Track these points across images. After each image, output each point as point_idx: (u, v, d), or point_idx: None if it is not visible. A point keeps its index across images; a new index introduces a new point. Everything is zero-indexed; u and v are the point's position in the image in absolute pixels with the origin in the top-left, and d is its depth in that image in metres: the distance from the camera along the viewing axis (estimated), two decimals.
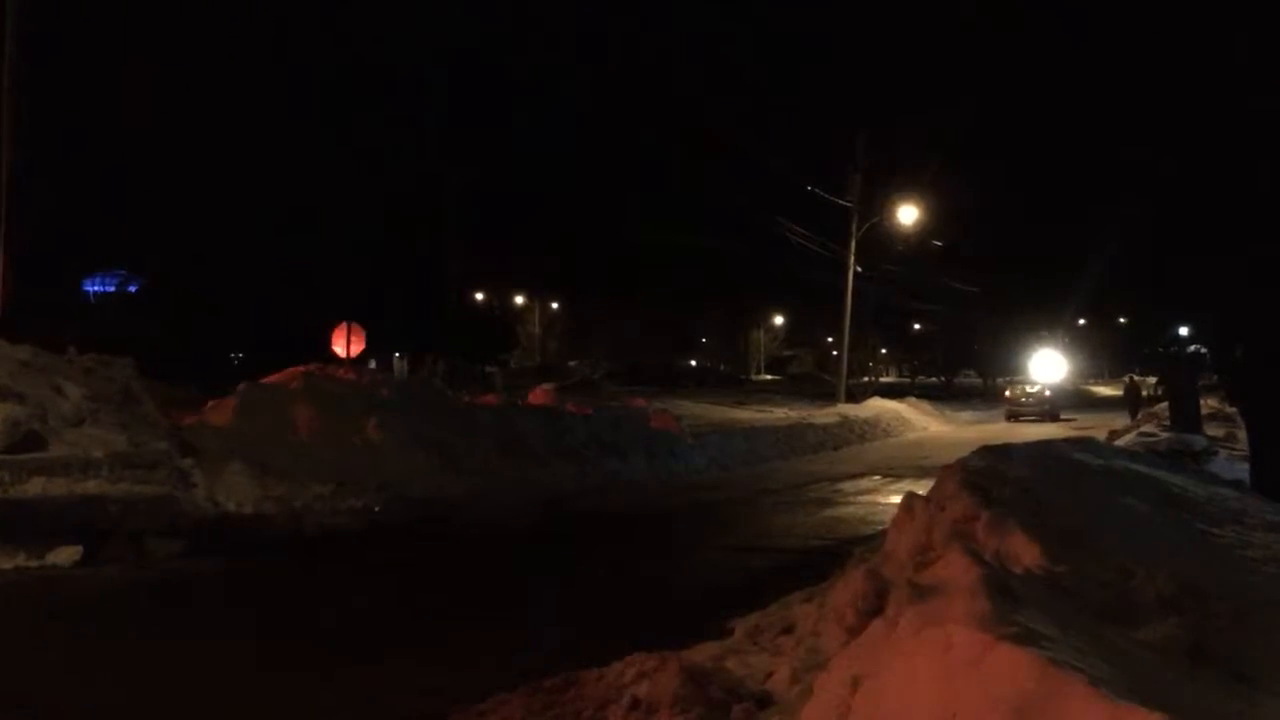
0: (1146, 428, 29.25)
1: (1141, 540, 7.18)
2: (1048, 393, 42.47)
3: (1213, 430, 26.70)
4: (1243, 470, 17.09)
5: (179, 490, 11.91)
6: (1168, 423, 28.54)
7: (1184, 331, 25.61)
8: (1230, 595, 5.74)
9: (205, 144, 33.82)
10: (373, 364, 32.89)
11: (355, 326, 19.77)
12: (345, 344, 19.47)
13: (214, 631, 7.68)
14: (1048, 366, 50.81)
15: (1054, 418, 39.47)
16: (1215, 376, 24.23)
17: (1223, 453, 21.71)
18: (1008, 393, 44.99)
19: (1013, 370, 67.79)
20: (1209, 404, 30.75)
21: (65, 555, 9.64)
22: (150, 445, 12.63)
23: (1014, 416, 40.85)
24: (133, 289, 42.08)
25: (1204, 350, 23.31)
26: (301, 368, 17.42)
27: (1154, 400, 42.42)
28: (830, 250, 35.91)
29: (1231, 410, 25.42)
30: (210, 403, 16.32)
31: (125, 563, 9.95)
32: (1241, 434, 21.06)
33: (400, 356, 44.28)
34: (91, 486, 11.11)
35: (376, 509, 13.16)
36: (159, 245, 35.48)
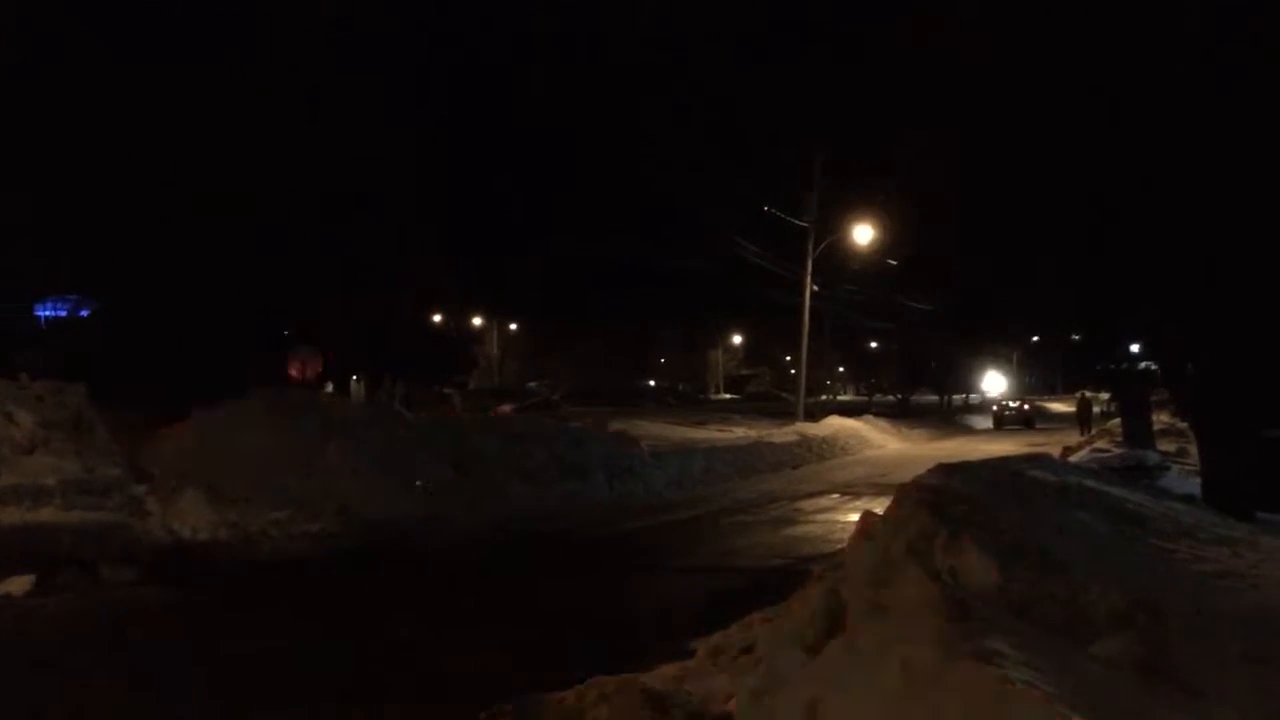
0: (1100, 443, 29.62)
1: (1096, 556, 7.27)
2: (1026, 406, 53.10)
3: (1165, 445, 27.04)
4: (1195, 485, 17.33)
5: (133, 517, 11.79)
6: (1121, 438, 28.91)
7: (1135, 348, 26.06)
8: (1183, 610, 5.82)
9: (158, 166, 33.51)
10: (330, 387, 32.62)
11: (311, 350, 19.65)
12: (301, 368, 19.35)
13: (163, 667, 7.56)
14: (994, 385, 63.55)
15: (1031, 424, 48.81)
16: (1166, 392, 24.57)
17: (1175, 467, 21.99)
18: (994, 406, 55.85)
19: (968, 388, 69.65)
20: (1161, 419, 31.15)
21: (17, 584, 9.50)
22: (103, 472, 12.50)
23: (1000, 424, 50.19)
24: (85, 314, 41.60)
25: (1155, 366, 23.61)
26: (257, 392, 17.28)
27: (1107, 416, 43.32)
28: (787, 270, 36.07)
29: (1183, 425, 25.81)
30: (164, 428, 16.15)
31: (78, 591, 9.81)
32: (1193, 449, 21.37)
33: (357, 379, 43.94)
34: (44, 514, 10.98)
35: (334, 533, 13.06)
36: (112, 269, 35.11)
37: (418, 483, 15.75)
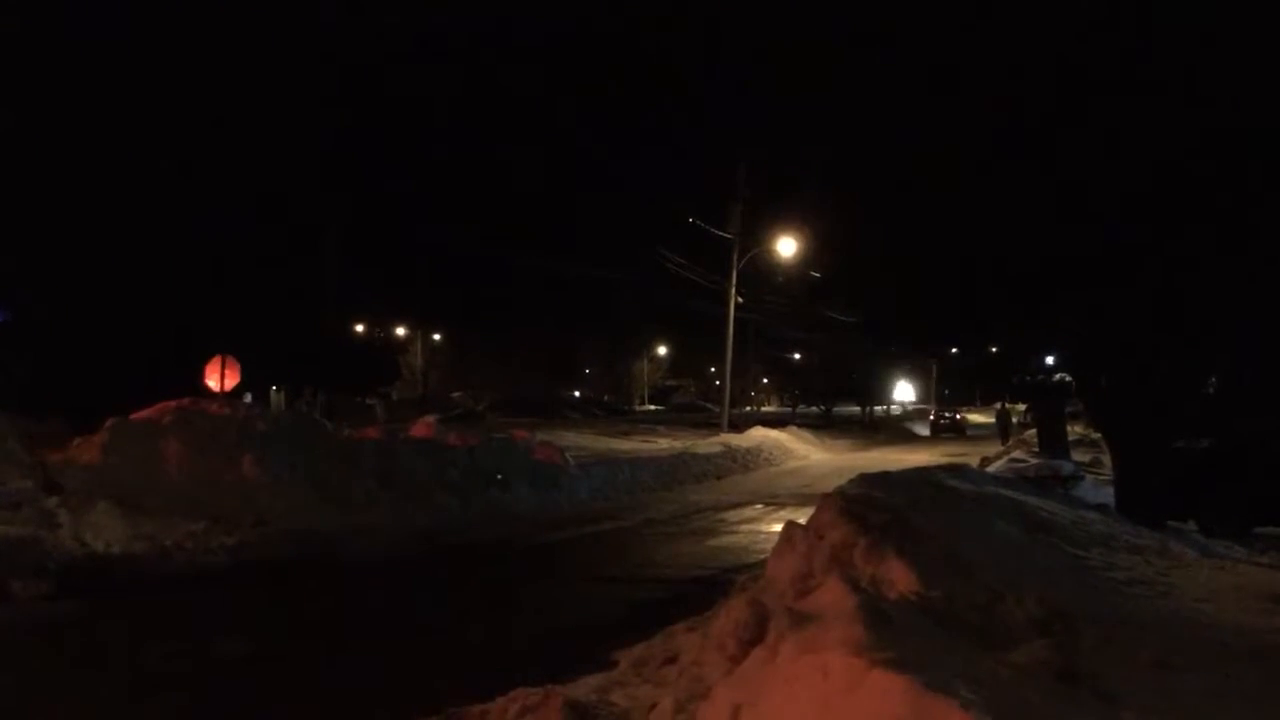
0: (1017, 453, 30.19)
1: (1012, 565, 7.40)
2: (958, 416, 59.72)
3: (1079, 455, 27.64)
4: (1108, 494, 17.75)
5: (44, 530, 11.47)
6: (1037, 448, 29.50)
7: (1050, 360, 26.70)
8: (1097, 617, 5.94)
9: (69, 169, 32.68)
10: (248, 398, 32.08)
11: (230, 359, 19.25)
12: (219, 377, 18.95)
13: (70, 684, 7.37)
14: (905, 395, 74.12)
15: (963, 432, 55.11)
16: (1080, 403, 25.17)
17: (1089, 477, 22.51)
18: (931, 415, 63.22)
19: (887, 399, 71.92)
20: (1075, 430, 31.86)
21: None
22: (14, 484, 12.17)
23: (937, 431, 56.83)
24: None
25: (1069, 378, 24.15)
26: (173, 402, 16.91)
27: (1024, 426, 44.26)
28: (712, 281, 36.27)
29: (1096, 436, 26.43)
30: (77, 439, 15.74)
31: None
32: (1106, 459, 21.88)
33: (277, 389, 43.29)
34: None
35: (252, 545, 12.81)
36: (22, 276, 34.18)
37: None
